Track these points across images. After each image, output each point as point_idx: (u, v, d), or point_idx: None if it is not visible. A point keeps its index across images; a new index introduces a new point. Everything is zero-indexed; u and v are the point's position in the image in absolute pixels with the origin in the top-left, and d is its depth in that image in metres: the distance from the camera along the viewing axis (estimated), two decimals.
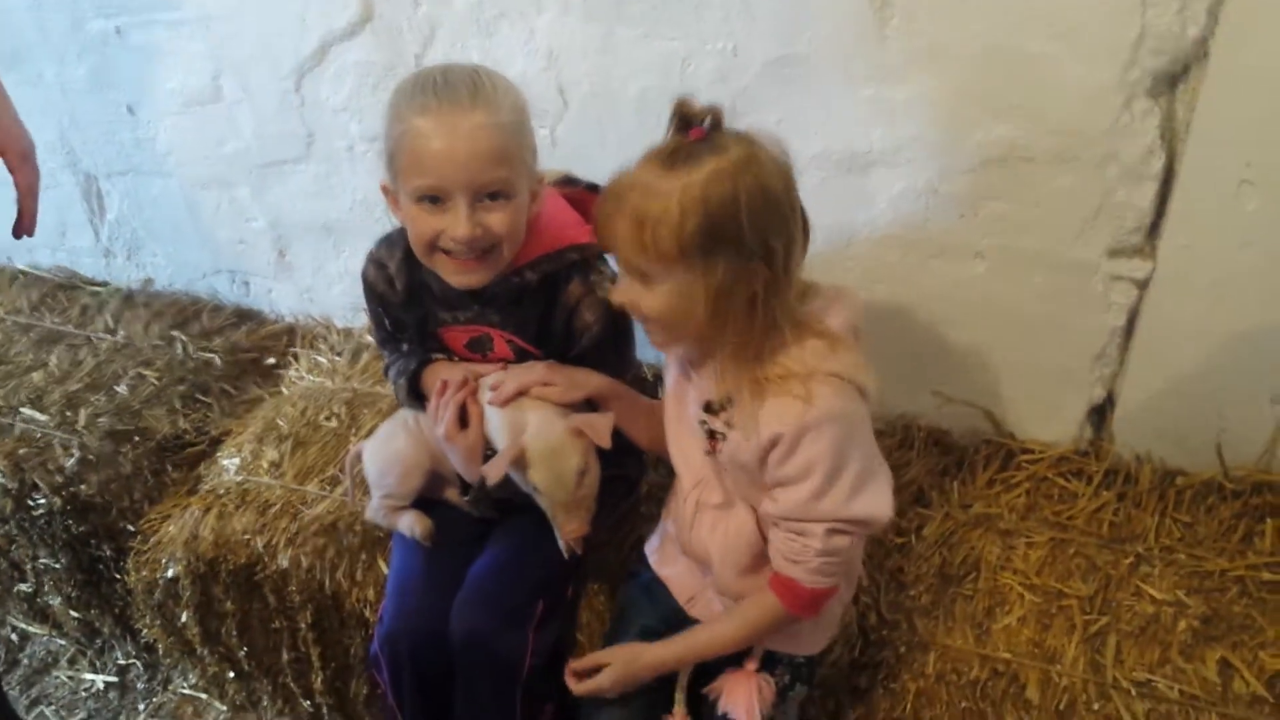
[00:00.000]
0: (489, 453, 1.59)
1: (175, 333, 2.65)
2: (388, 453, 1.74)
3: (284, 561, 1.90)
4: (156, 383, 2.45)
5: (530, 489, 1.51)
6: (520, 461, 1.48)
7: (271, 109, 2.33)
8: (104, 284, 2.93)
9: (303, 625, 1.94)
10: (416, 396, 1.70)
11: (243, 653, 2.08)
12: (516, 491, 1.58)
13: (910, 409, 2.04)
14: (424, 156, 1.40)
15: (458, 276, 1.53)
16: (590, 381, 1.58)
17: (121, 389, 2.43)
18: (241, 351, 2.58)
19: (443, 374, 1.65)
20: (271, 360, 2.56)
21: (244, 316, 2.74)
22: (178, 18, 2.30)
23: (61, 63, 2.54)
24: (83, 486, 2.17)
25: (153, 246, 2.83)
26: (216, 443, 2.29)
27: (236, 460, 2.15)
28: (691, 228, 1.20)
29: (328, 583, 1.87)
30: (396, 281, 1.66)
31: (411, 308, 1.68)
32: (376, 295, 1.70)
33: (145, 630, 2.18)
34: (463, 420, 1.60)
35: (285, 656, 2.03)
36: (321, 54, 2.19)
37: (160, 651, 2.21)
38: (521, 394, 1.55)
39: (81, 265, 2.98)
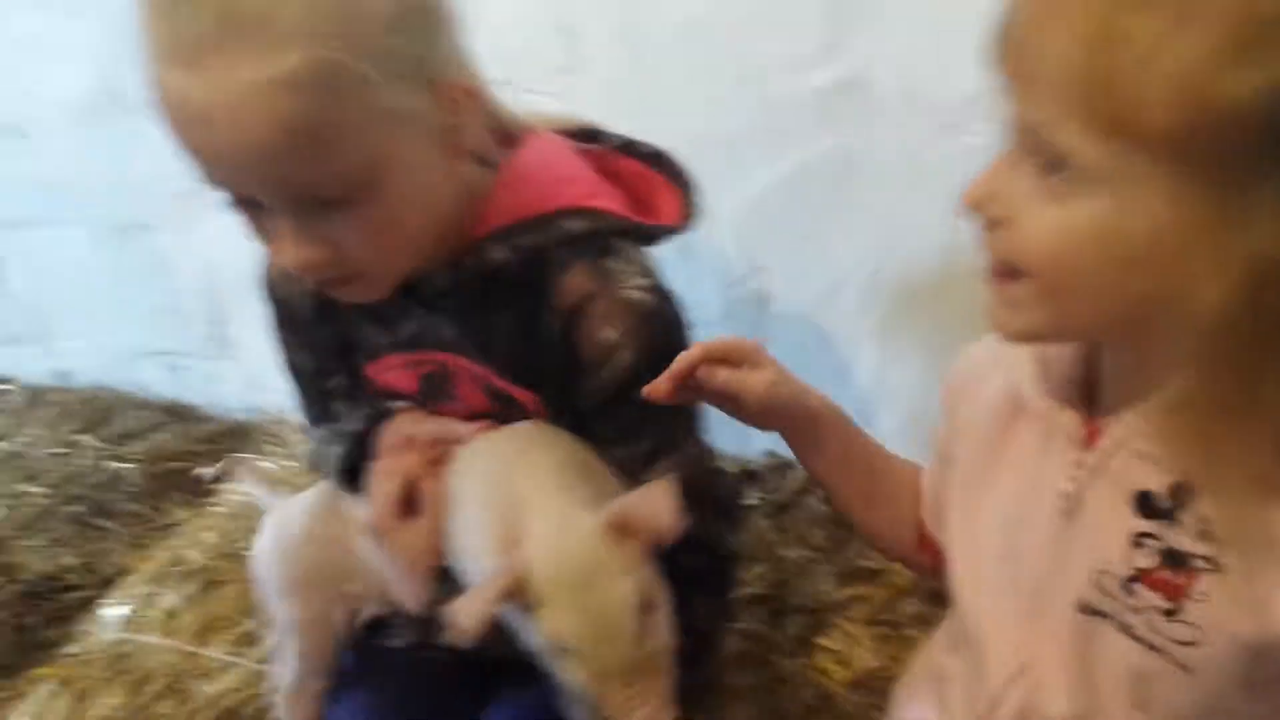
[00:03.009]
0: (446, 569, 0.99)
1: (82, 436, 2.09)
2: (283, 572, 1.13)
3: None
4: (42, 502, 1.90)
5: (544, 650, 0.86)
6: (519, 596, 0.85)
7: None
8: (8, 380, 2.39)
9: None
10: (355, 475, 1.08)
11: None
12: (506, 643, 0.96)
13: None
14: (187, 141, 0.85)
15: (345, 294, 0.98)
16: (809, 392, 0.96)
17: None
18: (165, 459, 2.02)
19: (406, 429, 1.06)
20: (205, 470, 1.98)
21: (176, 414, 2.19)
22: None
23: None
24: None
25: (66, 325, 2.30)
26: (109, 584, 1.69)
27: (122, 610, 1.55)
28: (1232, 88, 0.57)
29: None
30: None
31: (323, 323, 1.10)
32: (282, 306, 1.14)
33: None
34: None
35: None
36: None
37: None
38: None
39: None
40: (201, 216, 1.92)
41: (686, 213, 1.07)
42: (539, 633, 0.84)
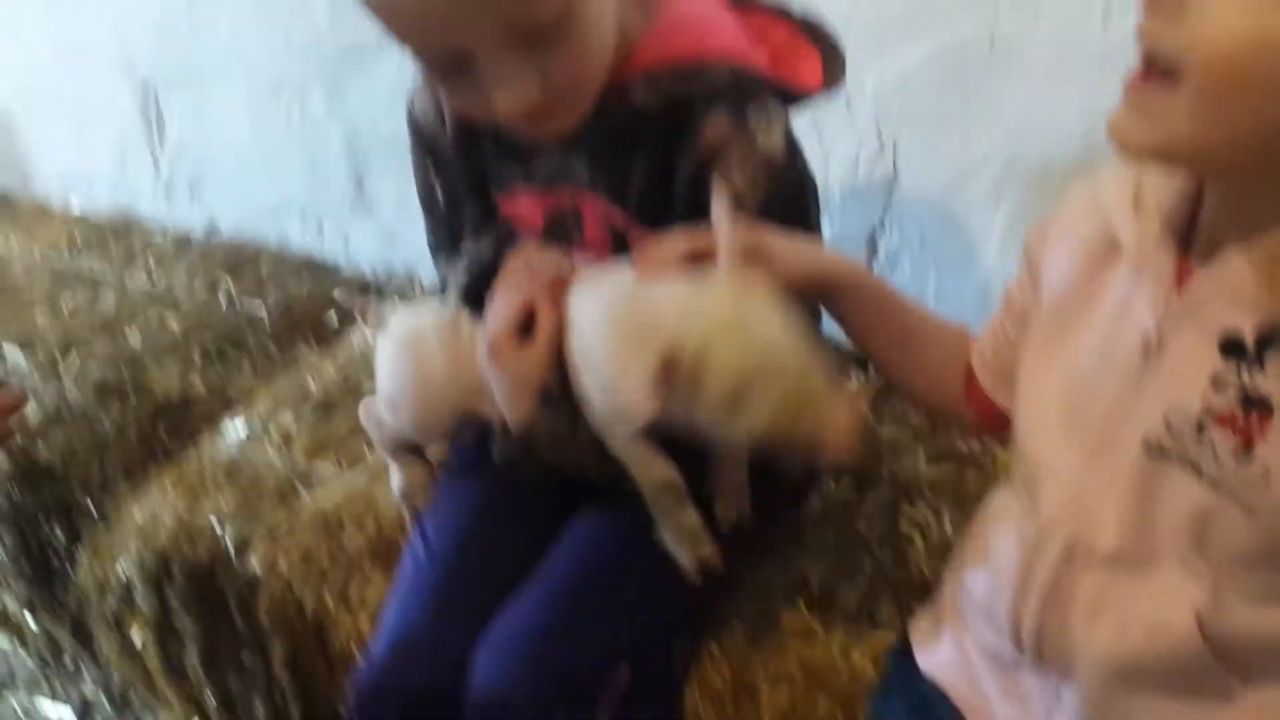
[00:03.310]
0: (555, 394, 1.01)
1: (222, 281, 2.20)
2: (403, 370, 1.18)
3: (254, 564, 1.35)
4: (177, 332, 2.00)
5: (716, 423, 0.85)
6: (675, 375, 0.83)
7: None
8: (162, 228, 2.51)
9: (276, 661, 1.38)
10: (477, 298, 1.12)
11: (210, 694, 1.53)
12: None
13: None
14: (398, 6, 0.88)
15: (531, 131, 1.00)
16: (823, 258, 0.95)
17: (132, 336, 1.98)
18: (298, 307, 2.11)
19: (530, 258, 1.09)
20: (334, 320, 2.07)
21: (311, 268, 2.27)
22: None
23: None
24: (41, 446, 1.70)
25: (218, 179, 2.41)
26: (232, 407, 1.78)
27: (241, 426, 1.63)
28: None
29: (310, 603, 1.30)
30: (447, 116, 1.13)
31: (463, 157, 1.14)
32: (425, 139, 1.17)
33: (104, 651, 1.67)
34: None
35: (260, 709, 1.47)
36: None
37: (122, 680, 1.71)
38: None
39: (141, 206, 2.59)
40: (350, 83, 2.01)
41: (830, 79, 1.07)
42: (709, 400, 0.82)
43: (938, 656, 0.93)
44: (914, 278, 1.52)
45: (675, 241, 0.90)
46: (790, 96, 1.05)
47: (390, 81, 1.92)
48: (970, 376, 0.96)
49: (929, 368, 0.97)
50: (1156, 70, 0.63)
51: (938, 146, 1.43)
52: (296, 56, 2.06)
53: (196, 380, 1.86)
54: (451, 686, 1.06)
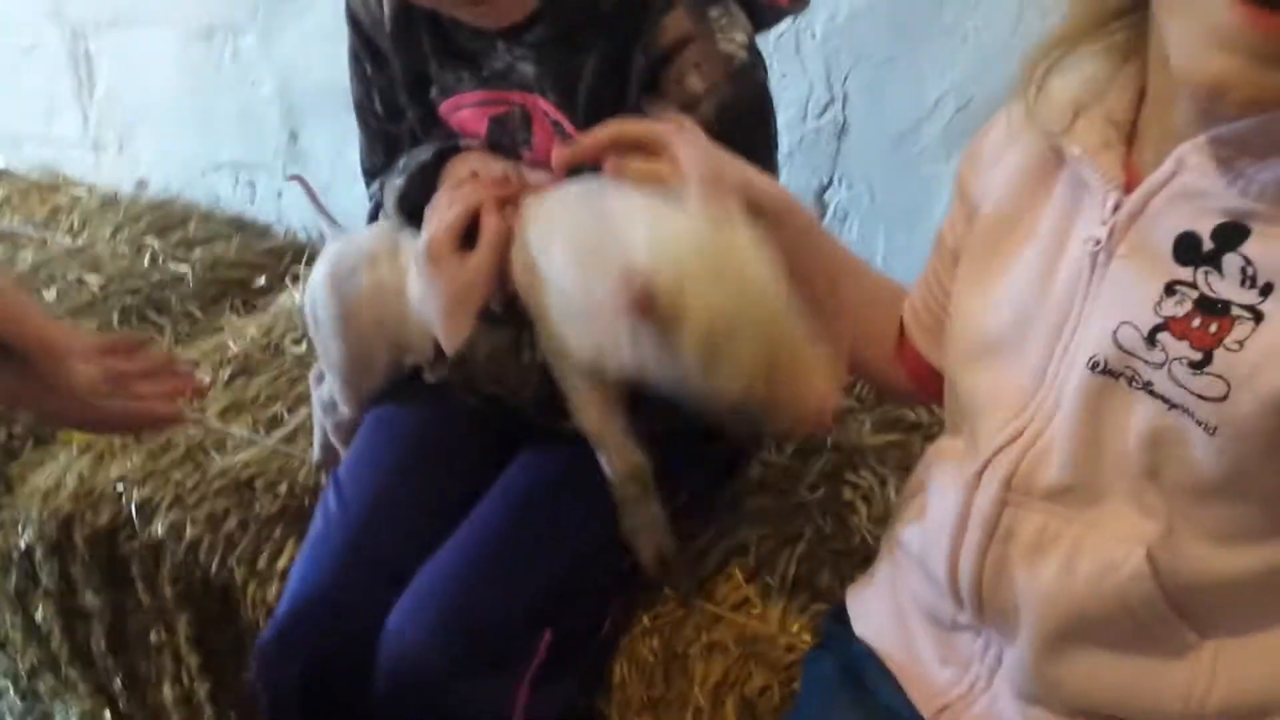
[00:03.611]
0: (495, 312, 0.97)
1: (147, 239, 2.10)
2: (327, 310, 1.12)
3: (159, 528, 1.27)
4: (98, 293, 1.91)
5: (689, 367, 0.77)
6: (650, 312, 0.74)
7: None
8: (86, 185, 2.42)
9: (182, 638, 1.31)
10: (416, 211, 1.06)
11: (117, 681, 1.46)
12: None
13: None
14: None
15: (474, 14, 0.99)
16: (753, 180, 0.85)
17: (49, 294, 1.89)
18: (225, 267, 2.02)
19: (474, 164, 1.05)
20: (262, 281, 1.98)
21: (241, 227, 2.17)
22: None
23: None
24: None
25: (147, 133, 2.32)
26: None
27: None
28: None
29: (215, 568, 1.23)
30: (386, 6, 1.07)
31: (403, 54, 1.09)
32: (363, 37, 1.12)
33: (8, 634, 1.59)
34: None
35: (169, 692, 1.40)
36: None
37: (29, 668, 1.62)
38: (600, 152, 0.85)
39: (68, 161, 2.49)
40: (285, 26, 1.94)
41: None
42: (681, 348, 0.75)
43: (873, 618, 0.88)
44: (863, 235, 1.48)
45: (615, 128, 0.84)
46: (755, 11, 1.03)
47: (327, 25, 1.85)
48: (903, 333, 0.91)
49: (859, 319, 0.91)
50: None
51: (889, 92, 1.39)
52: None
53: None
54: (365, 649, 1.00)
